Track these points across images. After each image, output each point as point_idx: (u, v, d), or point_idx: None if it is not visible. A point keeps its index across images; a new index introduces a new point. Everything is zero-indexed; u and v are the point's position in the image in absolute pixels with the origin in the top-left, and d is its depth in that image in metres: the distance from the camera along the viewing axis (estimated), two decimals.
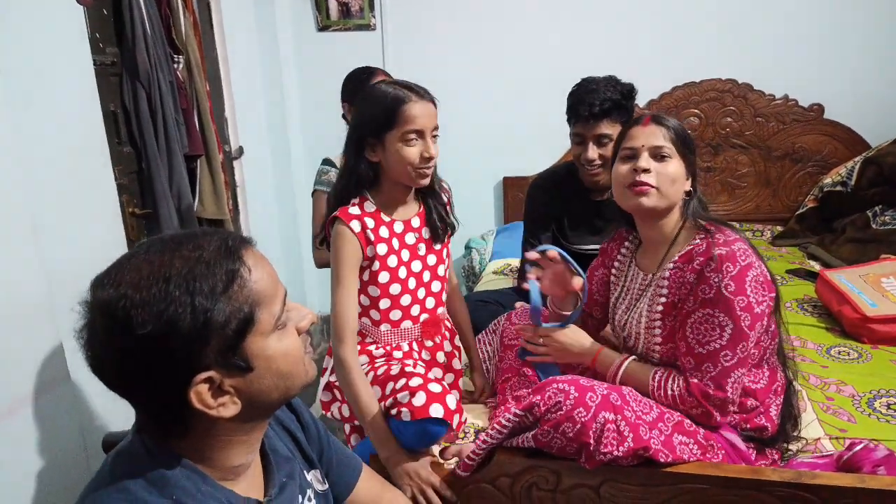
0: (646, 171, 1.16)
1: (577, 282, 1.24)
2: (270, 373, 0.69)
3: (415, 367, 1.28)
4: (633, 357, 1.23)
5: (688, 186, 1.20)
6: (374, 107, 1.20)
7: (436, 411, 1.13)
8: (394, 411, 1.17)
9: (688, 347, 1.13)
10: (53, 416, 1.33)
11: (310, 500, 0.85)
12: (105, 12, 1.82)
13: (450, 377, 1.41)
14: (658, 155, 1.17)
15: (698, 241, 1.17)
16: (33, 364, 1.29)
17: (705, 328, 1.10)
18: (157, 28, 1.96)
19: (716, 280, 1.09)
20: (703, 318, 1.10)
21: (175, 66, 2.09)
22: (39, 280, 1.29)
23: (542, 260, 1.25)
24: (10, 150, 1.23)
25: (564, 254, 1.23)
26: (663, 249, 1.22)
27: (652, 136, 1.18)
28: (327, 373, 1.36)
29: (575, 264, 1.24)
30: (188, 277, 0.63)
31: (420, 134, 1.21)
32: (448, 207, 1.38)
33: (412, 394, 1.15)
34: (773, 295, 1.14)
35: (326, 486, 0.92)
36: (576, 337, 1.28)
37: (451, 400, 1.16)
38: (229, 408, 0.67)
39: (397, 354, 1.32)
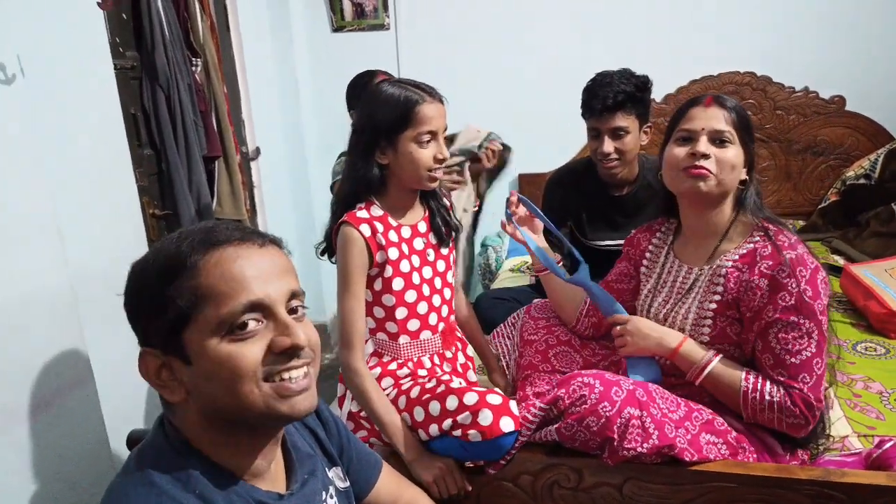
0: (705, 156, 1.10)
1: (538, 225, 1.39)
2: (213, 376, 0.66)
3: (449, 381, 1.22)
4: (721, 356, 1.14)
5: (744, 175, 1.14)
6: (386, 107, 1.17)
7: (507, 425, 1.09)
8: (457, 433, 1.11)
9: (777, 360, 1.06)
10: (78, 415, 1.35)
11: (332, 497, 0.85)
12: (124, 17, 1.85)
13: None
14: (718, 139, 1.11)
15: (759, 240, 1.12)
16: (58, 363, 1.30)
17: (793, 336, 1.05)
18: (175, 31, 1.98)
19: (794, 287, 1.04)
20: (788, 326, 1.05)
21: (193, 68, 2.11)
22: (63, 281, 1.31)
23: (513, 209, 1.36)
24: (33, 154, 1.25)
25: (523, 198, 1.38)
26: (712, 242, 1.17)
27: (713, 118, 1.12)
28: (347, 401, 1.32)
29: (534, 207, 1.39)
30: (164, 258, 0.69)
31: (434, 135, 1.19)
32: (451, 210, 1.36)
33: (474, 413, 1.10)
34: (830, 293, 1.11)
35: (347, 483, 0.92)
36: (651, 323, 1.19)
37: (514, 406, 1.13)
38: (175, 392, 0.69)
39: (421, 373, 1.28)
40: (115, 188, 1.60)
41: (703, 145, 1.11)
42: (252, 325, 0.67)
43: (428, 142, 1.18)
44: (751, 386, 1.08)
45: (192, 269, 0.67)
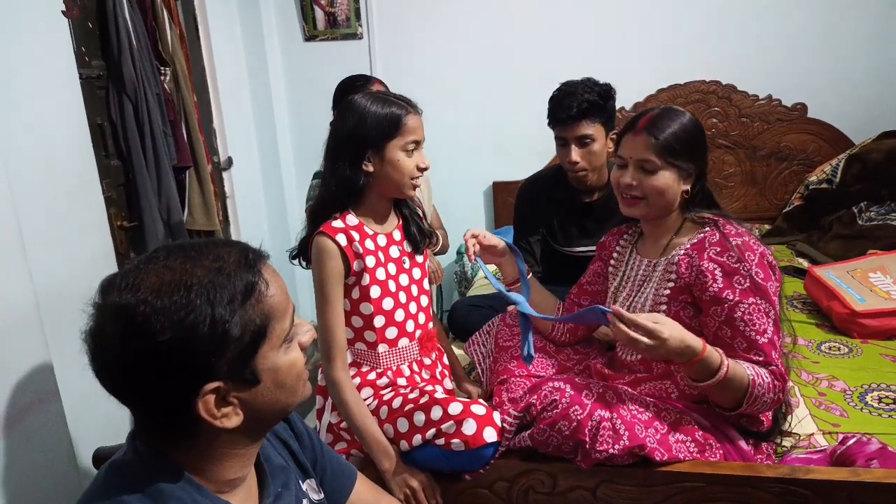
0: (629, 185, 1.19)
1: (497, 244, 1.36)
2: (275, 386, 0.69)
3: (433, 392, 1.24)
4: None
5: (685, 187, 1.19)
6: (375, 117, 1.21)
7: (490, 435, 1.11)
8: (439, 442, 1.13)
9: (749, 342, 1.09)
10: (43, 433, 1.31)
11: None
12: (90, 25, 1.82)
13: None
14: (643, 168, 1.18)
15: (708, 230, 1.19)
16: (22, 380, 1.27)
17: (756, 316, 1.09)
18: (143, 40, 1.96)
19: (745, 269, 1.10)
20: (750, 307, 1.09)
21: (162, 78, 2.09)
22: (28, 295, 1.28)
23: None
24: None
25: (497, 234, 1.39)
26: (666, 238, 1.24)
27: (638, 147, 1.18)
28: (326, 413, 1.31)
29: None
30: (209, 287, 0.63)
31: (417, 145, 1.24)
32: (423, 219, 1.39)
33: (458, 423, 1.12)
34: (780, 280, 1.16)
35: (322, 495, 0.91)
36: (678, 327, 1.05)
37: (497, 416, 1.15)
38: (232, 419, 0.67)
39: (401, 381, 1.29)
40: (81, 200, 1.57)
41: (629, 176, 1.20)
42: (293, 329, 0.72)
43: (412, 151, 1.23)
44: (755, 373, 1.07)
45: (265, 287, 0.67)
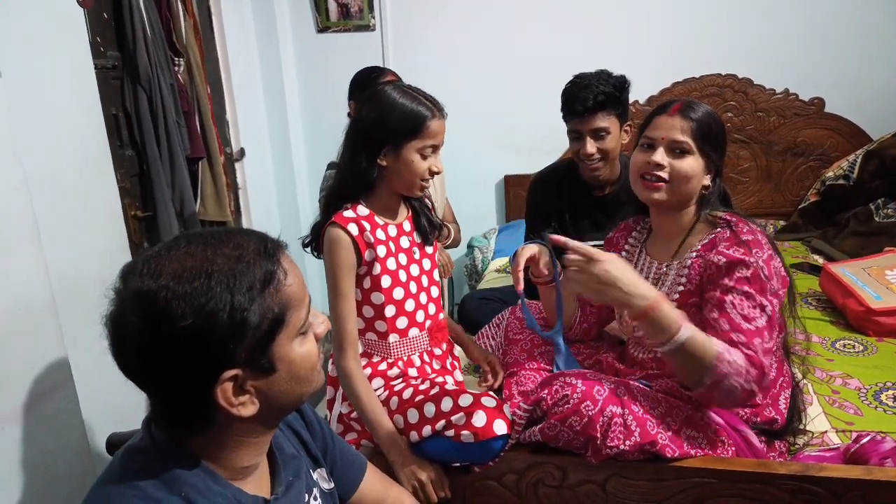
0: (659, 165, 1.14)
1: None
2: (290, 376, 0.70)
3: (444, 383, 1.25)
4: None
5: (706, 181, 1.17)
6: (399, 114, 1.19)
7: (500, 428, 1.11)
8: (449, 433, 1.13)
9: (732, 324, 1.05)
10: (57, 419, 1.33)
11: (315, 499, 0.85)
12: (105, 16, 1.83)
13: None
14: (675, 149, 1.15)
15: (720, 230, 1.16)
16: (37, 368, 1.29)
17: (749, 305, 1.06)
18: (157, 31, 1.96)
19: (752, 261, 1.07)
20: (743, 295, 1.06)
21: (176, 68, 2.10)
22: (43, 284, 1.29)
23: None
24: (11, 155, 1.23)
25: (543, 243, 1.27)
26: (678, 239, 1.21)
27: (673, 128, 1.14)
28: (336, 404, 1.33)
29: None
30: (229, 274, 0.64)
31: (435, 149, 1.23)
32: (433, 210, 1.39)
33: (468, 414, 1.12)
34: (786, 290, 1.13)
35: (332, 484, 0.92)
36: (629, 271, 1.03)
37: (507, 409, 1.15)
38: (248, 407, 0.67)
39: (412, 372, 1.29)
40: (95, 189, 1.58)
41: (659, 155, 1.15)
42: (308, 319, 0.72)
43: (429, 154, 1.22)
44: (723, 349, 1.01)
45: (283, 276, 0.68)
